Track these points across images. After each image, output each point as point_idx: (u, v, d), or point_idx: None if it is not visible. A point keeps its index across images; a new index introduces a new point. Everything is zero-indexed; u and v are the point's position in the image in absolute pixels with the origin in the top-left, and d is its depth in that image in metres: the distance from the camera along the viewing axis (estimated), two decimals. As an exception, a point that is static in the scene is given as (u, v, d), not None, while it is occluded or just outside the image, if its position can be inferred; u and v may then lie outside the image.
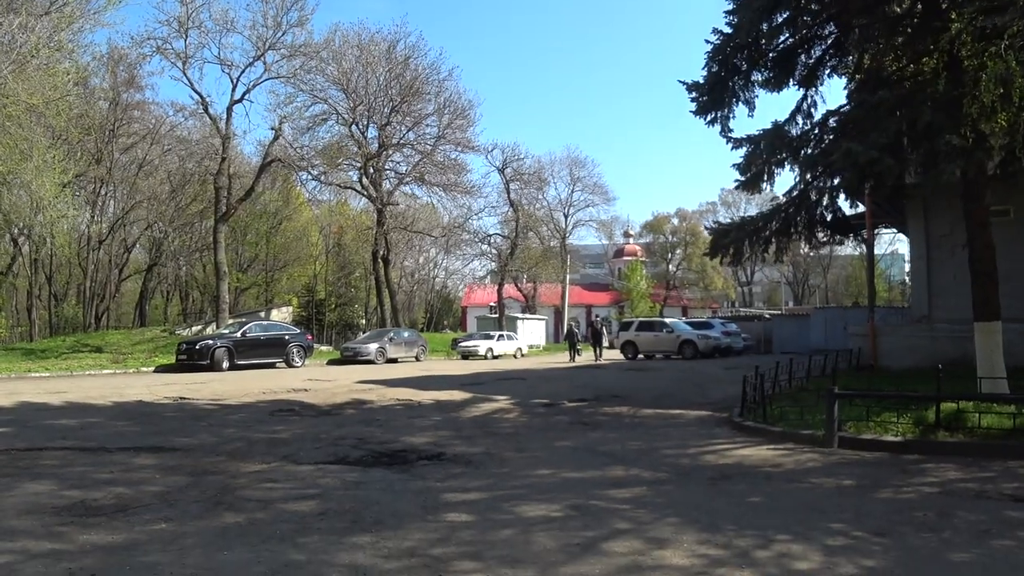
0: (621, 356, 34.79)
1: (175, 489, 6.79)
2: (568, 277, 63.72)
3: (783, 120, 13.74)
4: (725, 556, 5.01)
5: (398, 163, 42.51)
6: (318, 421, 11.86)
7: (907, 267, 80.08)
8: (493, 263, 61.93)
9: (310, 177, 38.58)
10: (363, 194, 41.96)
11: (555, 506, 6.32)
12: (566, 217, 70.46)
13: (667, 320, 36.81)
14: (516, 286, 59.71)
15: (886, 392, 10.75)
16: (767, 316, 49.83)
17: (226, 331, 27.02)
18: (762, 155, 13.63)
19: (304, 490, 6.84)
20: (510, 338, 41.06)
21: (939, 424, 9.57)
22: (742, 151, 14.04)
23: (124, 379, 21.00)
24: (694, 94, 14.87)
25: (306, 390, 17.06)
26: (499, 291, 51.65)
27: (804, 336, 38.71)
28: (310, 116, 37.69)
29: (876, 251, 71.75)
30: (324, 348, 39.13)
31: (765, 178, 14.64)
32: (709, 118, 14.62)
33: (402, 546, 5.14)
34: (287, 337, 27.38)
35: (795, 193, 14.50)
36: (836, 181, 12.18)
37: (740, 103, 14.90)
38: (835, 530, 5.66)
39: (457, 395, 16.16)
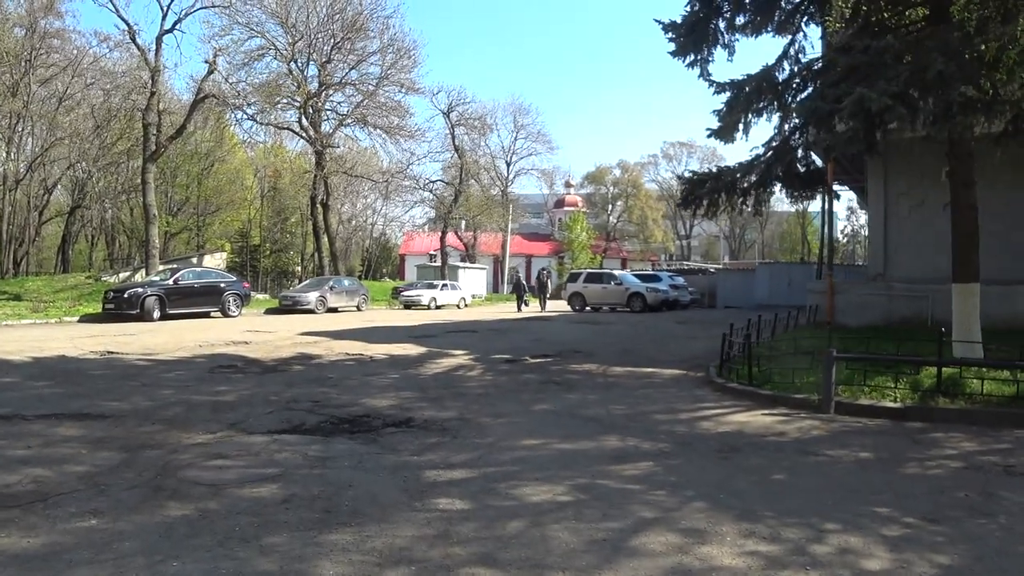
0: (567, 307, 34.26)
1: (106, 469, 5.68)
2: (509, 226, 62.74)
3: (770, 64, 12.95)
4: (780, 553, 4.25)
5: (339, 103, 40.56)
6: (264, 379, 10.75)
7: (840, 225, 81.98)
8: (432, 210, 60.51)
9: (245, 116, 36.43)
10: (301, 136, 39.99)
11: (559, 488, 5.47)
12: (508, 165, 69.33)
13: (615, 272, 36.35)
14: (456, 235, 58.46)
15: (885, 355, 10.17)
16: (712, 270, 49.85)
17: (157, 278, 25.26)
18: (745, 101, 12.81)
19: (261, 469, 5.82)
20: (454, 288, 40.00)
21: (939, 390, 9.06)
22: (724, 96, 13.23)
23: (45, 330, 19.34)
24: (671, 34, 13.93)
25: (246, 343, 15.86)
26: (442, 239, 50.34)
27: (748, 291, 38.77)
28: (246, 51, 35.50)
29: (811, 209, 72.66)
30: (260, 296, 37.49)
31: (741, 127, 13.93)
32: (689, 60, 13.70)
33: (394, 546, 4.22)
34: (223, 285, 25.76)
35: (775, 143, 13.80)
36: (820, 131, 11.38)
37: (719, 47, 14.05)
38: (884, 516, 4.97)
39: (410, 349, 15.21)
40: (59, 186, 45.84)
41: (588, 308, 33.05)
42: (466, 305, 39.40)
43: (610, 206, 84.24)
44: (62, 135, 38.56)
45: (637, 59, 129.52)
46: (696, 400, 9.65)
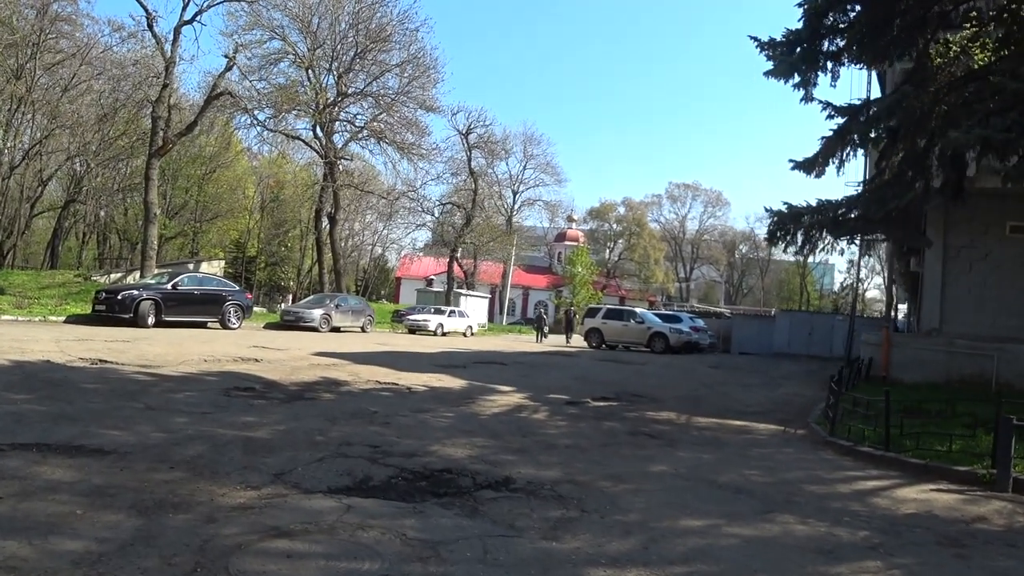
0: (584, 343, 32.51)
1: (115, 547, 3.73)
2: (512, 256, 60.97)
3: (897, 87, 11.44)
4: None
5: (356, 115, 38.66)
6: (296, 410, 8.81)
7: (839, 277, 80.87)
8: (431, 233, 58.76)
9: (256, 122, 34.46)
10: (311, 147, 38.12)
11: (807, 619, 3.62)
12: (515, 194, 67.76)
13: (637, 310, 34.61)
14: (457, 262, 56.71)
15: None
16: (727, 314, 48.24)
17: (153, 281, 23.14)
18: (864, 126, 11.24)
19: (351, 561, 3.87)
20: (461, 315, 38.12)
21: None
22: (834, 122, 11.72)
23: (28, 329, 17.26)
24: (769, 53, 12.47)
25: (256, 360, 13.95)
26: (450, 264, 48.48)
27: (766, 338, 37.16)
28: (264, 54, 33.69)
29: (809, 260, 71.37)
30: (256, 309, 35.44)
31: (837, 159, 12.47)
32: (793, 81, 12.18)
33: None
34: (224, 294, 23.61)
35: (886, 176, 12.27)
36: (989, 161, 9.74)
37: (822, 71, 12.58)
38: None
39: (447, 381, 13.32)
40: (55, 179, 43.51)
41: (604, 345, 31.28)
42: (472, 334, 37.52)
43: (612, 243, 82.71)
44: (63, 124, 36.40)
45: (649, 96, 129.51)
46: (834, 467, 7.84)
